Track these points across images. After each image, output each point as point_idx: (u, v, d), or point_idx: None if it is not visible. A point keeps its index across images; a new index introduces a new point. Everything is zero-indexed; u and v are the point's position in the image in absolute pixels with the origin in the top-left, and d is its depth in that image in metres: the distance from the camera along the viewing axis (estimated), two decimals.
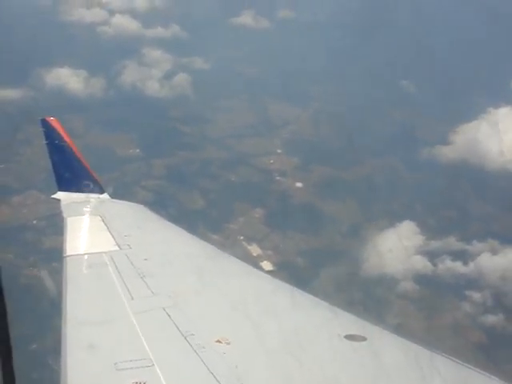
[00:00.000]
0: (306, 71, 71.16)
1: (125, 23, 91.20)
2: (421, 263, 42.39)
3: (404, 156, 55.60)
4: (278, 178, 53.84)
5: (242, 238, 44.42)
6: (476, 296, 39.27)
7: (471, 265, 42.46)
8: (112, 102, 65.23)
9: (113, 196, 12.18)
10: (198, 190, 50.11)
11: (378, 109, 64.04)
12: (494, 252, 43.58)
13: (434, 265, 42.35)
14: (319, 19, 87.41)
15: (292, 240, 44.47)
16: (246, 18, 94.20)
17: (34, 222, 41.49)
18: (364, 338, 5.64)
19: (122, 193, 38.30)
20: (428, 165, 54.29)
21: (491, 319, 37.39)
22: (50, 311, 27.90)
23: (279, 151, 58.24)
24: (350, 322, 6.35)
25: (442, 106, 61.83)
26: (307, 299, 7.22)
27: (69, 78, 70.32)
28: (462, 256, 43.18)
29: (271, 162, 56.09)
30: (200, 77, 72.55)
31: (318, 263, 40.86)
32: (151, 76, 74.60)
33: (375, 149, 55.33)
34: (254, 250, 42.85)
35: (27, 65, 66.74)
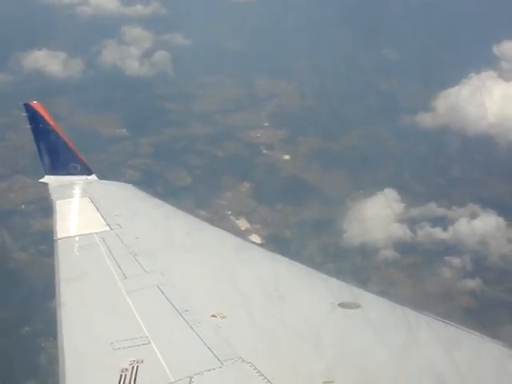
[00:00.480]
0: (289, 44, 70.69)
1: (103, 2, 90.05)
2: (401, 230, 42.51)
3: (388, 125, 55.56)
4: (265, 151, 53.63)
5: (229, 212, 44.41)
6: (455, 261, 39.48)
7: (450, 230, 42.60)
8: (94, 82, 64.52)
9: (100, 177, 12.16)
10: (184, 167, 49.94)
11: (363, 78, 63.98)
12: (474, 217, 43.79)
13: (414, 232, 42.46)
14: None
15: (280, 213, 44.51)
16: None
17: (22, 206, 41.27)
18: (357, 305, 5.70)
19: (108, 173, 38.15)
20: (411, 132, 54.31)
21: (470, 284, 37.67)
22: (40, 294, 28.31)
23: (266, 124, 58.06)
24: (342, 290, 6.38)
25: (424, 72, 61.64)
26: (299, 269, 7.26)
27: (48, 61, 69.58)
28: (442, 222, 43.35)
29: (258, 135, 55.88)
30: (182, 53, 72.06)
31: (306, 235, 40.99)
32: (132, 55, 74.01)
33: (361, 119, 55.28)
34: (242, 224, 42.86)
35: (5, 49, 65.74)
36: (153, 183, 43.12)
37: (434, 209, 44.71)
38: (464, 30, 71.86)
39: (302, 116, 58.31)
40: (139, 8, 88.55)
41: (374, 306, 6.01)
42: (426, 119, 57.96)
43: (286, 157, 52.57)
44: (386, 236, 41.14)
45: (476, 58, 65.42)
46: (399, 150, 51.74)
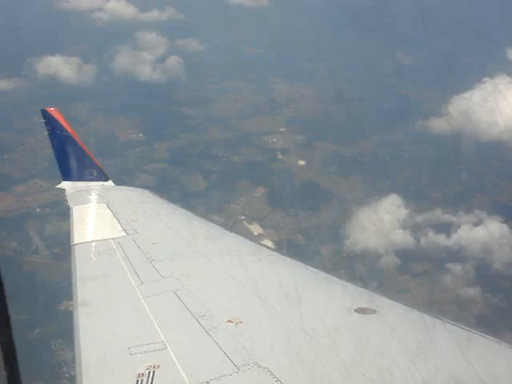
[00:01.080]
0: (305, 49, 70.80)
1: (120, 8, 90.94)
2: (405, 237, 42.29)
3: (402, 130, 55.67)
4: (280, 156, 53.65)
5: (243, 217, 44.35)
6: (457, 268, 39.08)
7: (454, 237, 42.31)
8: (107, 87, 65.25)
9: (115, 181, 12.21)
10: (200, 172, 49.99)
11: (378, 83, 63.86)
12: (480, 223, 43.37)
13: (417, 238, 42.22)
14: None
15: (293, 218, 44.39)
16: None
17: (38, 209, 41.62)
18: (374, 311, 5.68)
19: (124, 178, 38.38)
20: (424, 137, 54.36)
21: (471, 291, 37.24)
22: (52, 297, 28.45)
23: (282, 130, 58.17)
24: (359, 295, 6.37)
25: (438, 77, 61.42)
26: (316, 274, 7.25)
27: (62, 66, 70.40)
28: (447, 229, 43.06)
29: (274, 140, 55.96)
30: (198, 58, 72.33)
31: (319, 240, 40.87)
32: (146, 60, 74.59)
33: (376, 124, 55.20)
34: (255, 229, 42.77)
35: (21, 54, 66.44)
36: (168, 188, 43.28)
37: (439, 215, 44.59)
38: (478, 34, 71.47)
39: (318, 121, 58.28)
40: (155, 14, 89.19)
41: (391, 311, 6.00)
42: (438, 124, 57.61)
43: (302, 162, 52.53)
44: (389, 242, 40.85)
45: (490, 62, 65.15)
46: (411, 156, 51.69)
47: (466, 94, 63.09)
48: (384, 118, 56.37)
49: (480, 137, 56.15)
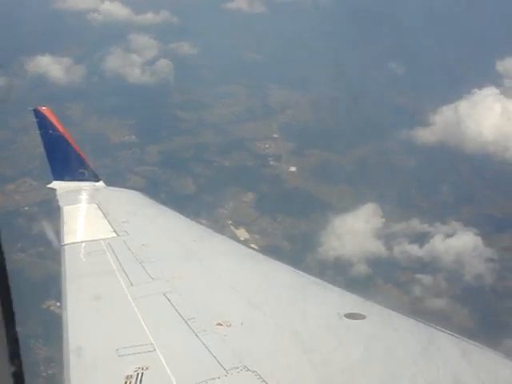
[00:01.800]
0: (303, 55, 71.06)
1: (114, 10, 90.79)
2: (378, 246, 42.47)
3: (393, 139, 55.84)
4: (272, 162, 53.77)
5: (230, 222, 44.30)
6: (426, 279, 39.14)
7: (426, 248, 42.31)
8: (102, 89, 65.02)
9: (105, 182, 12.19)
10: (190, 176, 50.04)
11: (371, 91, 64.09)
12: (454, 234, 43.51)
13: (390, 247, 42.25)
14: (314, 2, 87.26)
15: (280, 224, 44.49)
16: (241, 3, 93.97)
17: (26, 208, 41.50)
18: (363, 316, 5.67)
19: (114, 179, 38.28)
20: (409, 147, 54.55)
21: (439, 302, 37.25)
22: (35, 296, 28.31)
23: (276, 136, 58.29)
24: (348, 301, 6.39)
25: (427, 87, 61.87)
26: (305, 279, 7.26)
27: (52, 66, 70.00)
28: (421, 239, 43.09)
29: (267, 146, 56.07)
30: (197, 62, 72.33)
31: (304, 247, 40.90)
32: (143, 62, 74.37)
33: (369, 133, 55.42)
34: (242, 234, 42.68)
35: (12, 53, 66.20)
36: (157, 190, 43.16)
37: (416, 225, 44.63)
38: (471, 45, 71.96)
39: (312, 128, 58.60)
40: (150, 16, 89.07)
41: (380, 316, 6.00)
42: (423, 134, 58.12)
43: (293, 168, 52.65)
44: (362, 251, 40.94)
45: (479, 74, 65.62)
46: (397, 165, 51.62)
47: (454, 105, 63.46)
48: (376, 126, 56.55)
49: (466, 148, 56.50)
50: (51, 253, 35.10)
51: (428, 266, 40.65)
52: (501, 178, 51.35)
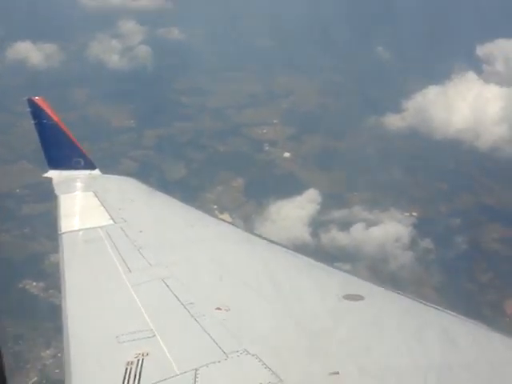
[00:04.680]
0: (309, 41, 70.74)
1: None
2: (309, 233, 42.16)
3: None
4: (267, 148, 53.62)
5: (215, 207, 44.10)
6: (345, 267, 38.85)
7: (353, 235, 41.97)
8: (108, 75, 65.13)
9: (98, 165, 12.16)
10: (183, 160, 49.97)
11: (377, 77, 63.82)
12: (385, 222, 43.24)
13: (317, 235, 41.94)
14: None
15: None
16: None
17: (17, 190, 41.55)
18: (362, 297, 5.71)
19: (107, 163, 38.23)
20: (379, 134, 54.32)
21: None
22: (15, 276, 28.54)
23: (275, 121, 58.11)
24: (346, 282, 6.45)
25: (405, 72, 61.56)
26: (304, 261, 7.28)
27: (35, 52, 69.66)
28: (351, 226, 42.80)
29: (264, 131, 55.91)
30: (202, 48, 71.80)
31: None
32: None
33: (369, 119, 55.36)
34: (225, 218, 42.67)
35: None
36: (147, 174, 43.03)
37: (357, 212, 44.37)
38: (451, 30, 71.59)
39: (313, 114, 58.40)
40: (144, 2, 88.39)
41: (379, 297, 6.06)
42: (394, 120, 57.94)
43: (287, 154, 52.54)
44: (289, 237, 40.10)
45: (460, 58, 65.71)
46: (387, 154, 51.48)
47: (427, 91, 63.27)
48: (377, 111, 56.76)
49: (434, 135, 56.21)
50: (35, 234, 35.11)
51: (351, 254, 39.97)
52: (466, 166, 51.18)
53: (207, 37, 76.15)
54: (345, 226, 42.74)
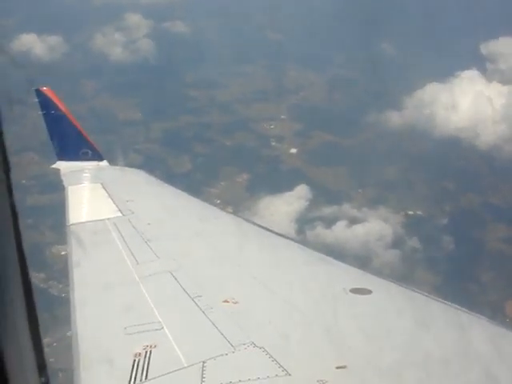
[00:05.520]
0: (322, 36, 70.28)
1: None
2: (296, 229, 41.77)
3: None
4: (273, 143, 53.32)
5: (218, 201, 43.68)
6: None
7: (337, 232, 41.59)
8: (119, 67, 65.03)
9: (105, 159, 12.16)
10: (188, 154, 49.75)
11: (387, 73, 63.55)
12: (370, 220, 42.93)
13: (303, 231, 41.62)
14: None
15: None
16: None
17: (23, 181, 41.51)
18: (369, 291, 5.74)
19: (112, 156, 38.16)
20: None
21: None
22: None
23: (283, 117, 57.71)
24: (354, 276, 6.51)
25: (407, 69, 61.13)
26: (312, 255, 7.33)
27: (38, 44, 69.24)
28: (337, 223, 42.45)
29: (272, 127, 55.58)
30: (212, 42, 71.46)
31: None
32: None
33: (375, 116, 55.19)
34: None
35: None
36: (152, 168, 42.83)
37: (346, 210, 44.08)
38: (455, 28, 71.13)
39: (322, 110, 57.97)
40: None
41: (386, 291, 6.09)
42: (400, 117, 57.47)
43: (293, 150, 52.26)
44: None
45: (464, 56, 64.74)
46: (391, 150, 50.82)
47: (428, 89, 62.50)
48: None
49: (434, 133, 55.63)
50: (38, 225, 35.10)
51: (334, 251, 39.65)
52: (465, 165, 50.75)
53: (217, 31, 75.43)
54: (332, 223, 42.45)
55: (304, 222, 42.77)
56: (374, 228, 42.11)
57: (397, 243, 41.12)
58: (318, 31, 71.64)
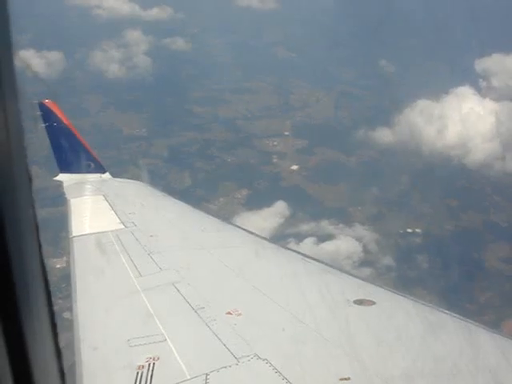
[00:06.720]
0: (328, 53, 71.04)
1: (117, 6, 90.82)
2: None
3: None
4: (275, 160, 53.56)
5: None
6: None
7: (303, 248, 40.49)
8: (126, 83, 65.63)
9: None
10: (189, 170, 50.04)
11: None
12: (342, 236, 42.91)
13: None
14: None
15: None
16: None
17: None
18: (373, 302, 5.72)
19: (114, 171, 38.25)
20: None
21: None
22: None
23: (286, 133, 58.12)
24: (357, 287, 6.46)
25: (401, 86, 61.52)
26: (315, 265, 7.28)
27: (37, 60, 69.59)
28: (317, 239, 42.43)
29: (275, 143, 55.98)
30: (220, 58, 71.99)
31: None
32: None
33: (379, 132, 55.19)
34: None
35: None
36: (152, 183, 42.99)
37: (324, 226, 43.96)
38: (451, 45, 71.70)
39: (326, 127, 58.47)
40: (155, 12, 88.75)
41: (390, 302, 6.07)
42: (386, 134, 57.62)
43: (294, 167, 52.47)
44: None
45: (458, 73, 65.59)
46: (390, 168, 50.79)
47: (420, 105, 63.06)
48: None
49: (423, 150, 56.01)
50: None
51: None
52: (452, 183, 50.60)
53: (220, 47, 76.45)
54: (303, 239, 42.41)
55: (278, 238, 41.85)
56: (342, 245, 41.93)
57: (370, 262, 41.05)
58: (323, 48, 72.41)
